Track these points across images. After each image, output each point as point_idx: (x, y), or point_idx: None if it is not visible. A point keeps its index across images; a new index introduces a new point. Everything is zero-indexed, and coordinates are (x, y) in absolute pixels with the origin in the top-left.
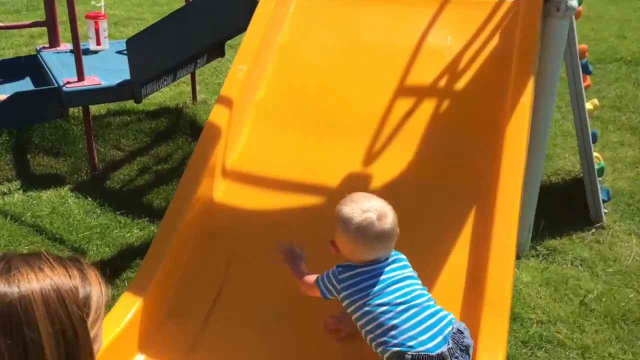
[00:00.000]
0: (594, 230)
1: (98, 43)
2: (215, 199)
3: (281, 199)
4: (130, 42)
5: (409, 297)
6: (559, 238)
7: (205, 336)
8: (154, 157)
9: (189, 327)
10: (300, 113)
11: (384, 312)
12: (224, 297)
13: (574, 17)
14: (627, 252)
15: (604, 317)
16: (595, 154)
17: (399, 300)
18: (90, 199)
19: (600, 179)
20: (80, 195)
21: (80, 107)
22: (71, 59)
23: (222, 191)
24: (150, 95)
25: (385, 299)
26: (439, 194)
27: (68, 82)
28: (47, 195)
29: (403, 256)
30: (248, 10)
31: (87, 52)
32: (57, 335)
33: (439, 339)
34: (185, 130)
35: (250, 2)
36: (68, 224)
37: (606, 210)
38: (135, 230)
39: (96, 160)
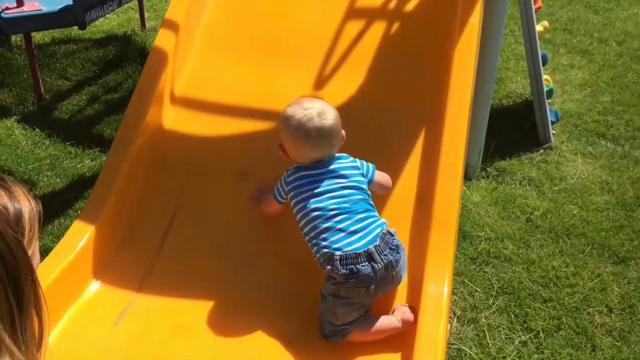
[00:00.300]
0: (542, 150)
1: None
2: (164, 125)
3: (231, 124)
4: None
5: (343, 205)
6: (508, 159)
7: (159, 263)
8: (102, 87)
9: (143, 254)
10: (248, 37)
11: (318, 216)
12: (177, 224)
13: None
14: (572, 171)
15: (549, 232)
16: (545, 76)
17: (333, 207)
18: (38, 130)
19: (549, 100)
20: (27, 127)
21: (23, 36)
22: None
23: (172, 118)
24: (97, 23)
25: (321, 204)
26: (389, 116)
27: (7, 8)
28: None
29: (351, 161)
30: None
31: None
32: None
33: (368, 239)
34: (134, 58)
35: None
36: (16, 156)
37: (554, 132)
38: (87, 161)
39: (42, 90)
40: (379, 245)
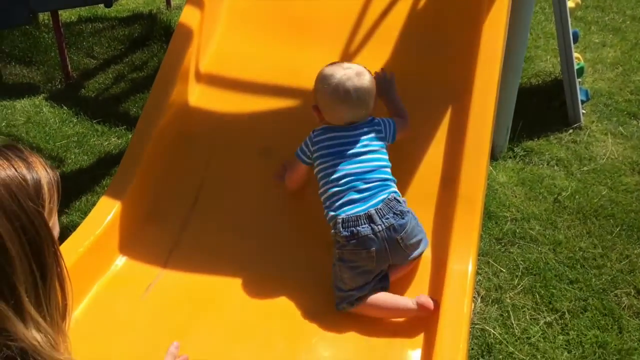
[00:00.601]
0: (571, 130)
1: None
2: (190, 102)
3: (256, 101)
4: None
5: (361, 171)
6: (536, 139)
7: (184, 237)
8: (128, 65)
9: (169, 229)
10: (272, 14)
11: (333, 180)
12: (202, 199)
13: None
14: (602, 151)
15: (577, 213)
16: (576, 54)
17: (350, 172)
18: (65, 107)
19: (580, 79)
20: (55, 105)
21: (50, 14)
22: None
23: (197, 95)
24: (123, 1)
25: (341, 168)
26: (415, 92)
27: None
28: (21, 104)
29: (376, 124)
30: None
31: None
32: (18, 232)
33: (371, 203)
34: (159, 37)
35: None
36: (44, 133)
37: (584, 111)
38: (113, 139)
39: (69, 68)
40: (380, 209)
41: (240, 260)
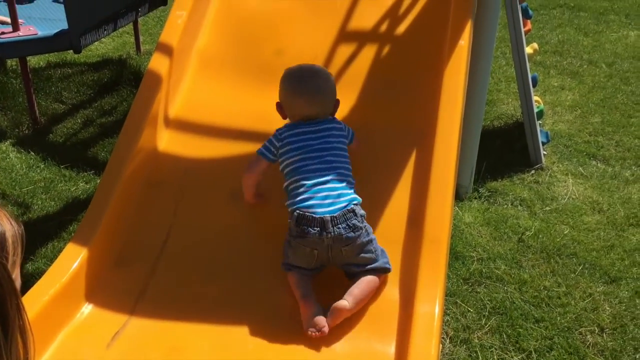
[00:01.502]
0: (533, 171)
1: None
2: (158, 148)
3: (225, 146)
4: None
5: (323, 166)
6: (500, 180)
7: (152, 283)
8: (97, 110)
9: (137, 275)
10: (242, 60)
11: (297, 171)
12: (170, 245)
13: None
14: (563, 191)
15: (540, 252)
16: (535, 97)
17: (313, 167)
18: (33, 153)
19: (540, 122)
20: (22, 150)
21: (18, 60)
22: (6, 8)
23: (166, 141)
24: (92, 47)
25: (304, 162)
26: (380, 137)
27: (2, 33)
28: None
29: (338, 123)
30: None
31: (23, 1)
32: None
33: (329, 208)
34: (129, 81)
35: None
36: (11, 179)
37: (545, 152)
38: (81, 184)
39: (37, 113)
40: (336, 217)
41: (209, 306)
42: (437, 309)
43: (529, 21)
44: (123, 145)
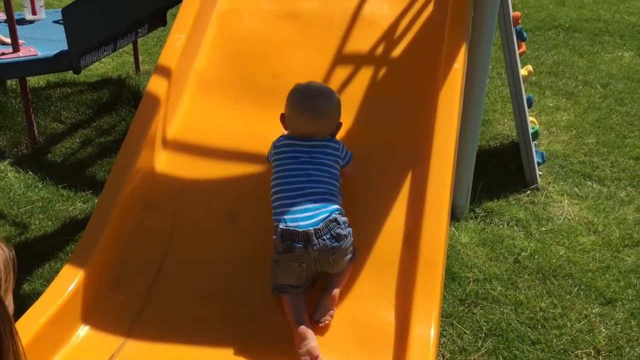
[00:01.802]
0: (529, 192)
1: (34, 12)
2: (156, 169)
3: (222, 167)
4: (66, 10)
5: (309, 183)
6: (496, 200)
7: (149, 305)
8: (96, 129)
9: (133, 296)
10: (240, 83)
11: (283, 184)
12: (167, 266)
13: None
14: (559, 211)
15: (536, 273)
16: (531, 118)
17: (298, 181)
18: (31, 172)
19: (535, 142)
20: (20, 170)
21: (18, 80)
22: (6, 29)
23: (163, 162)
24: (92, 67)
25: (290, 175)
26: (376, 160)
27: (2, 54)
28: None
29: (335, 143)
30: None
31: (23, 22)
32: None
33: (312, 221)
34: (128, 101)
35: None
36: (9, 199)
37: (541, 173)
38: (79, 204)
39: (36, 133)
40: (320, 229)
41: (206, 327)
42: (433, 332)
43: (523, 43)
44: (120, 166)
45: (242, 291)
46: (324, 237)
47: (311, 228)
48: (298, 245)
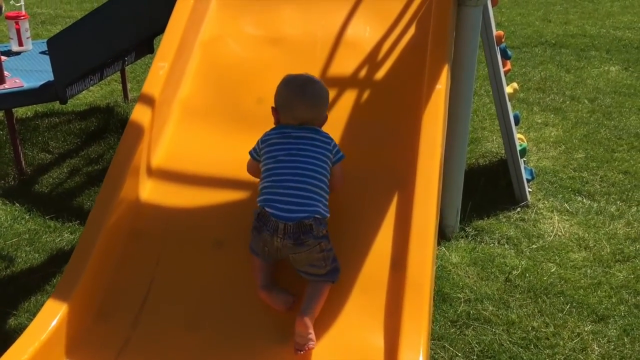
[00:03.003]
0: (519, 209)
1: (20, 44)
2: (141, 198)
3: (208, 196)
4: (51, 41)
5: (297, 171)
6: (486, 218)
7: (135, 337)
8: (84, 159)
9: (118, 328)
10: (224, 109)
11: (271, 170)
12: (152, 297)
13: (489, 3)
14: (549, 228)
15: (528, 292)
16: (519, 135)
17: (286, 172)
18: (18, 204)
19: (524, 159)
20: (7, 202)
21: (4, 112)
22: None
23: (148, 191)
24: (80, 95)
25: (274, 166)
26: (361, 182)
27: None
28: None
29: (327, 138)
30: (171, 7)
31: (9, 53)
32: None
33: (289, 215)
34: (116, 129)
35: None
36: None
37: (530, 189)
38: (66, 234)
39: (23, 164)
40: (290, 226)
41: (193, 356)
42: (422, 357)
43: (508, 61)
44: (105, 197)
45: (229, 318)
46: (291, 236)
47: (283, 222)
48: (267, 230)
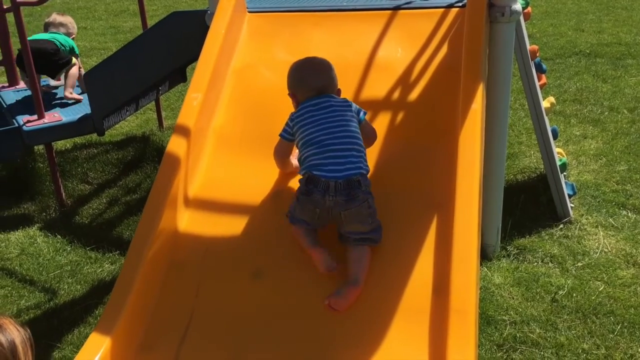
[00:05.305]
0: (562, 225)
1: (58, 78)
2: (179, 228)
3: (245, 224)
4: (88, 75)
5: (333, 136)
6: (528, 236)
7: None
8: (122, 188)
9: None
10: (259, 136)
11: (310, 142)
12: (193, 328)
13: (522, 19)
14: (595, 244)
15: (576, 312)
16: (558, 149)
17: (322, 138)
18: (59, 236)
19: (564, 174)
20: (49, 234)
21: (44, 145)
22: (50, 81)
23: (186, 220)
24: (117, 126)
25: (313, 135)
26: (399, 205)
27: (28, 121)
28: (16, 236)
29: (345, 100)
30: (204, 37)
31: (48, 87)
32: None
33: (336, 174)
34: (152, 158)
35: (206, 27)
36: (38, 264)
37: (573, 205)
38: (107, 265)
39: (64, 196)
40: (340, 184)
41: None
42: None
43: (543, 75)
44: (144, 228)
45: (270, 349)
46: (342, 192)
47: (333, 180)
48: (318, 191)
